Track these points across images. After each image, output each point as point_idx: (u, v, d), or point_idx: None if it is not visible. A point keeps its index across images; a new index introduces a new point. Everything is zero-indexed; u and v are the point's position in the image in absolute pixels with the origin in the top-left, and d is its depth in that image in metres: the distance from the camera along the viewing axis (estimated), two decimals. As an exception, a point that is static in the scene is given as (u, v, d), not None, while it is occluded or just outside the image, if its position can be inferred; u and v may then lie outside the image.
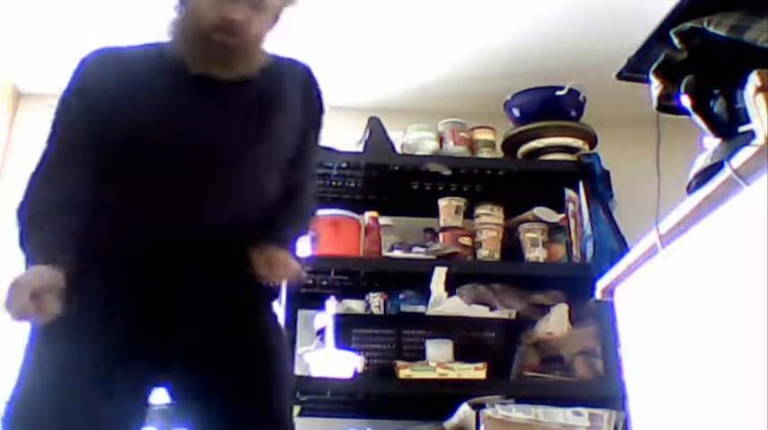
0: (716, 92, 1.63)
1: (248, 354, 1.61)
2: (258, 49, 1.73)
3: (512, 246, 2.99)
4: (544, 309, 2.85)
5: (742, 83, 1.47)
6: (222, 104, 1.70)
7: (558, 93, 3.11)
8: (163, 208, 1.62)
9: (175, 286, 1.59)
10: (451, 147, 3.11)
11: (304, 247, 1.81)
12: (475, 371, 2.65)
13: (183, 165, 1.64)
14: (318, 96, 1.86)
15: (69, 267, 1.51)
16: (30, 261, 1.55)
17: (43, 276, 1.48)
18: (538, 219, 2.99)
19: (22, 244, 1.59)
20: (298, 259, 1.73)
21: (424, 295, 2.83)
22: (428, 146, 3.09)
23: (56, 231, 1.56)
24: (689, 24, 1.63)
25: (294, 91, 1.80)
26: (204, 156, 1.65)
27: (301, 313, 2.80)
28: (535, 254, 2.94)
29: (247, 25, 1.65)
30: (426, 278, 2.80)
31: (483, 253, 2.96)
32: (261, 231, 1.68)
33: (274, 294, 1.75)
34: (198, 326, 1.59)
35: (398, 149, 3.09)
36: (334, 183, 3.09)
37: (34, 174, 1.67)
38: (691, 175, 1.67)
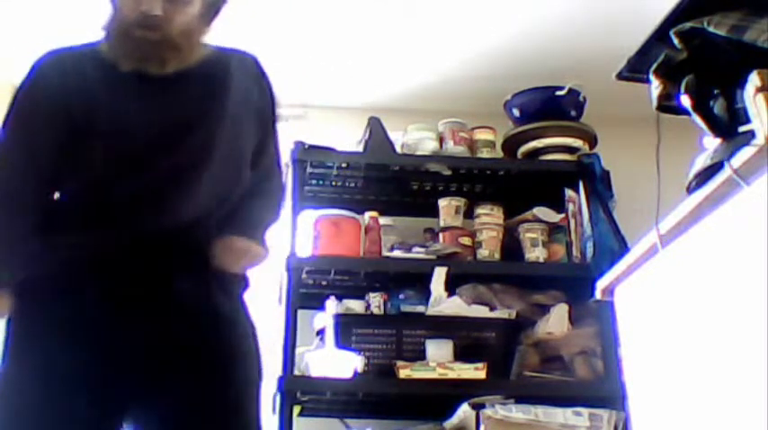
0: (716, 92, 1.63)
1: (214, 368, 1.59)
2: (190, 41, 1.70)
3: (512, 246, 2.99)
4: (544, 309, 2.85)
5: (742, 83, 1.47)
6: (160, 99, 1.67)
7: (558, 93, 3.11)
8: (118, 210, 1.61)
9: (142, 292, 1.58)
10: (451, 147, 3.11)
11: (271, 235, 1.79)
12: (475, 371, 2.65)
13: (128, 164, 1.63)
14: (269, 86, 1.83)
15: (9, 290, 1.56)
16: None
17: None
18: (538, 219, 2.99)
19: None
20: (264, 246, 1.72)
21: (424, 295, 2.82)
22: (428, 146, 3.09)
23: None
24: (689, 24, 1.63)
25: (245, 80, 1.78)
26: (147, 152, 1.64)
27: (301, 313, 2.80)
28: (535, 254, 2.94)
29: (168, 19, 1.64)
30: (426, 278, 2.80)
31: (483, 253, 2.96)
32: (226, 223, 1.68)
33: (244, 285, 1.73)
34: (162, 338, 1.57)
35: (398, 149, 3.09)
36: (334, 183, 3.09)
37: None
38: (691, 175, 1.67)
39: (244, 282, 1.73)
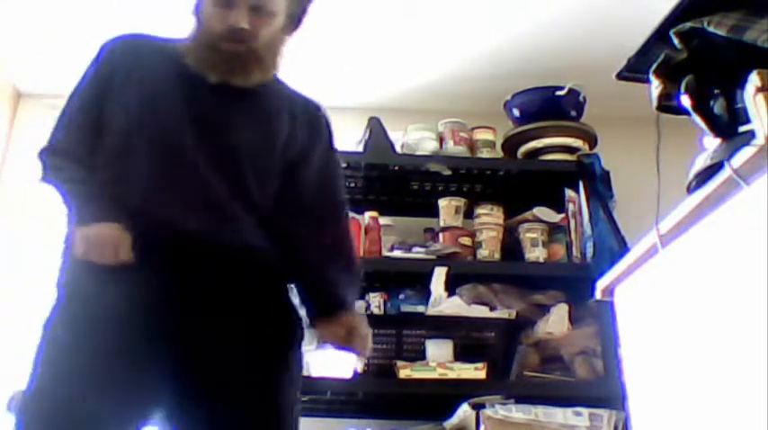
0: (716, 92, 1.63)
1: (254, 403, 1.60)
2: (273, 54, 1.75)
3: (512, 246, 2.99)
4: (544, 309, 2.85)
5: (742, 83, 1.47)
6: (243, 111, 1.72)
7: (558, 93, 3.11)
8: (175, 206, 1.62)
9: (201, 300, 1.58)
10: (451, 147, 3.11)
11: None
12: (475, 371, 2.66)
13: (194, 168, 1.64)
14: (331, 138, 1.88)
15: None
16: (92, 216, 1.57)
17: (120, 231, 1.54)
18: (538, 219, 2.99)
19: (67, 188, 1.63)
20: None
21: (424, 295, 2.83)
22: (428, 146, 3.09)
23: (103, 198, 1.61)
24: (689, 24, 1.62)
25: (305, 125, 1.81)
26: (221, 161, 1.66)
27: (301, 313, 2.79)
28: (535, 254, 2.94)
29: (254, 32, 1.68)
30: (426, 278, 2.80)
31: (483, 253, 2.96)
32: (323, 289, 1.75)
33: (302, 334, 1.75)
34: (213, 354, 1.58)
35: (398, 149, 3.09)
36: (334, 182, 3.08)
37: (61, 127, 1.70)
38: (691, 175, 1.67)
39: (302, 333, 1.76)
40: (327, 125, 1.87)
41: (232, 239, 1.64)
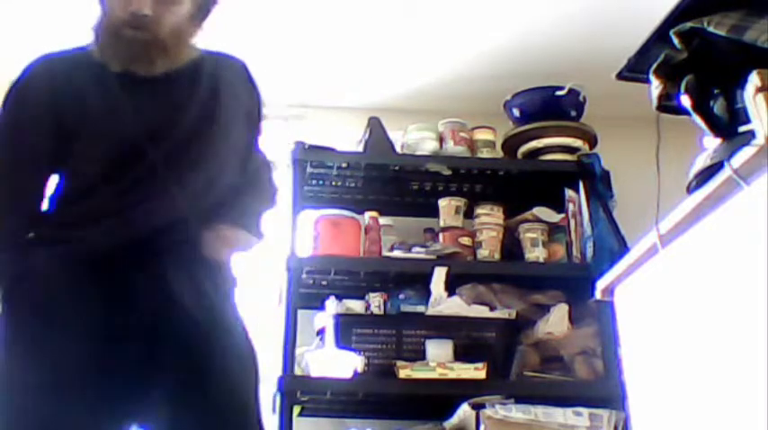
0: (716, 92, 1.63)
1: (219, 365, 1.59)
2: (180, 42, 1.71)
3: (512, 246, 2.99)
4: (544, 309, 2.85)
5: (742, 83, 1.47)
6: (148, 99, 1.68)
7: (558, 93, 3.11)
8: (115, 206, 1.61)
9: (142, 289, 1.58)
10: (451, 147, 3.10)
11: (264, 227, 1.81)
12: (475, 371, 2.65)
13: (118, 164, 1.63)
14: (257, 90, 1.84)
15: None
16: None
17: None
18: (538, 219, 2.99)
19: None
20: (257, 234, 1.74)
21: (424, 295, 2.82)
22: (428, 146, 3.09)
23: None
24: (689, 24, 1.63)
25: (234, 82, 1.79)
26: (134, 152, 1.63)
27: (301, 313, 2.80)
28: (535, 254, 2.94)
29: (157, 19, 1.65)
30: (426, 278, 2.80)
31: (483, 253, 2.96)
32: (215, 215, 1.69)
33: (233, 284, 1.74)
34: (165, 334, 1.57)
35: (398, 149, 3.09)
36: (334, 183, 3.09)
37: None
38: (691, 175, 1.67)
39: (233, 281, 1.74)
40: (252, 81, 1.83)
41: (177, 232, 1.63)
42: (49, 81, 1.69)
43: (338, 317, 2.74)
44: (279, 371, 2.59)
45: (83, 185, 1.65)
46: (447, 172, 3.02)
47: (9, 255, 1.61)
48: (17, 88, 1.72)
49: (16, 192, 1.67)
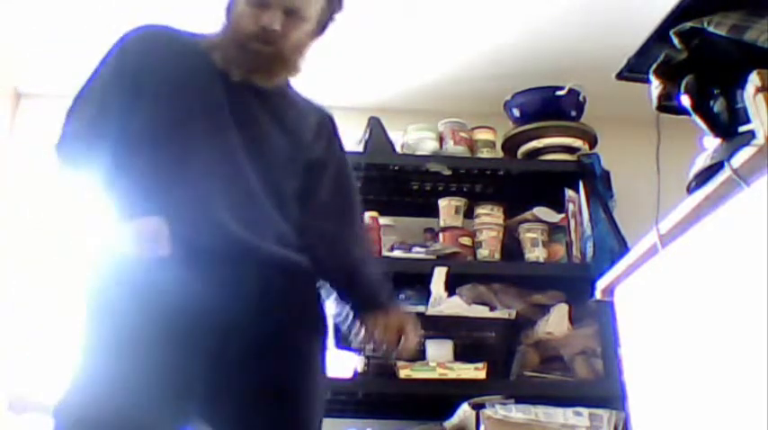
0: (716, 92, 1.63)
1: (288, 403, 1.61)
2: (299, 57, 1.76)
3: (512, 246, 2.99)
4: (544, 309, 2.85)
5: (742, 83, 1.47)
6: (262, 112, 1.72)
7: (558, 93, 3.11)
8: (226, 212, 1.60)
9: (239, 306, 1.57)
10: (451, 147, 3.11)
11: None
12: (475, 371, 2.66)
13: (243, 174, 1.64)
14: (341, 147, 1.89)
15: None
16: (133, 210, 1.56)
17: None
18: (538, 219, 2.99)
19: (96, 178, 1.60)
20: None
21: (424, 295, 2.82)
22: (428, 146, 3.09)
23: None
24: (689, 24, 1.62)
25: (316, 129, 1.82)
26: (236, 158, 1.65)
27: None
28: (535, 254, 2.94)
29: (284, 34, 1.68)
30: (426, 278, 2.80)
31: (483, 253, 2.96)
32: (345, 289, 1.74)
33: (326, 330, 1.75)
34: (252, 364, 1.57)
35: (398, 149, 3.09)
36: (334, 182, 3.08)
37: (75, 112, 1.68)
38: (691, 175, 1.67)
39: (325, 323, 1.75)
40: (337, 131, 1.90)
41: (277, 251, 1.64)
42: (161, 49, 1.71)
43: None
44: (279, 371, 2.59)
45: (168, 174, 1.62)
46: (447, 172, 3.02)
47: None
48: (120, 44, 1.73)
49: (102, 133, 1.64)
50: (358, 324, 1.74)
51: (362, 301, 1.75)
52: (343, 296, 1.76)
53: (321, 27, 1.80)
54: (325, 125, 1.86)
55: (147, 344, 1.49)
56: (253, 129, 1.70)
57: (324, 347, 1.71)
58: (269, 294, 1.59)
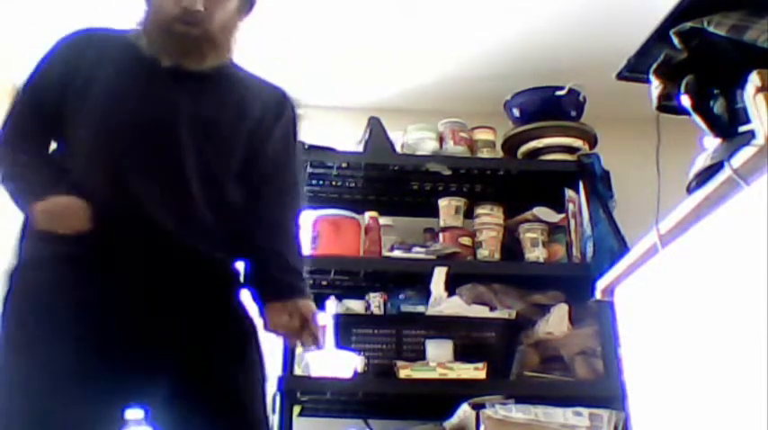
0: (716, 92, 1.63)
1: (230, 367, 1.61)
2: (228, 37, 1.73)
3: (512, 246, 2.99)
4: (544, 309, 2.85)
5: (742, 83, 1.47)
6: (197, 99, 1.69)
7: (558, 93, 3.12)
8: (129, 195, 1.59)
9: (148, 290, 1.57)
10: (451, 147, 3.11)
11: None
12: (475, 371, 2.65)
13: (149, 155, 1.62)
14: (295, 123, 1.86)
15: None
16: (45, 189, 1.57)
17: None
18: (538, 219, 2.99)
19: (14, 187, 1.62)
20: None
21: (424, 295, 2.83)
22: (428, 146, 3.09)
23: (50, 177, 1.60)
24: (689, 24, 1.62)
25: (268, 106, 1.79)
26: (172, 148, 1.63)
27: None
28: (535, 254, 2.94)
29: (209, 14, 1.65)
30: (426, 278, 2.80)
31: (483, 253, 2.96)
32: (262, 259, 1.71)
33: (239, 283, 1.73)
34: (178, 338, 1.57)
35: (398, 149, 3.09)
36: (334, 183, 3.09)
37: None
38: (691, 175, 1.67)
39: (239, 282, 1.74)
40: (293, 110, 1.85)
41: (200, 242, 1.62)
42: (91, 52, 1.70)
43: (338, 317, 2.74)
44: (279, 371, 2.59)
45: (106, 172, 1.62)
46: (447, 172, 3.02)
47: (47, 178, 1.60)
48: (51, 52, 1.73)
49: (26, 136, 1.68)
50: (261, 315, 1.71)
51: (268, 290, 1.72)
52: (255, 280, 1.73)
53: (248, 4, 1.76)
54: (277, 101, 1.82)
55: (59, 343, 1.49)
56: (188, 114, 1.67)
57: (253, 340, 1.69)
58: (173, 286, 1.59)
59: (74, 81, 1.66)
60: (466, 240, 2.98)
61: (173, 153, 1.63)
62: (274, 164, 1.79)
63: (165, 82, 1.67)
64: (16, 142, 1.68)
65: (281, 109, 1.82)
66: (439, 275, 2.79)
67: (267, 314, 1.70)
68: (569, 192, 2.98)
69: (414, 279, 2.86)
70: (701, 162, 1.64)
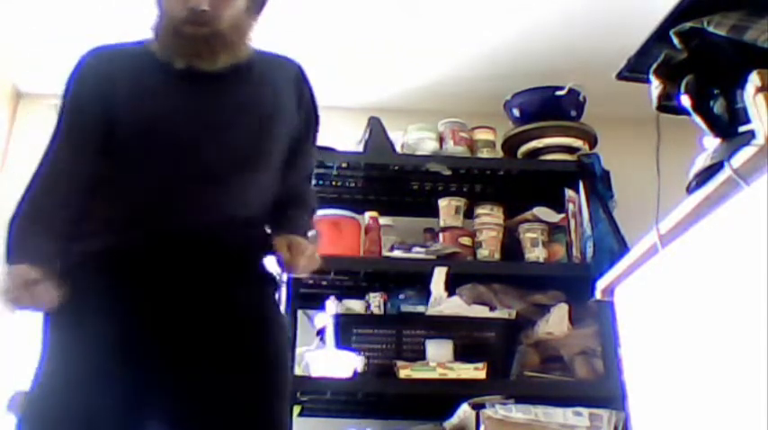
0: (716, 92, 1.63)
1: (252, 366, 1.61)
2: (239, 36, 1.73)
3: (512, 246, 2.99)
4: (544, 309, 2.85)
5: (742, 83, 1.47)
6: (213, 100, 1.70)
7: (558, 93, 3.12)
8: (161, 206, 1.62)
9: (179, 291, 1.59)
10: (451, 148, 3.11)
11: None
12: (475, 371, 2.65)
13: (176, 164, 1.64)
14: (312, 96, 1.86)
15: (51, 266, 1.55)
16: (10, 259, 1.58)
17: (29, 271, 1.52)
18: (538, 219, 2.99)
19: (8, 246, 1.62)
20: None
21: (424, 295, 2.82)
22: (428, 146, 3.09)
23: (41, 232, 1.61)
24: (689, 24, 1.62)
25: (287, 89, 1.80)
26: (197, 153, 1.65)
27: (301, 313, 2.79)
28: (535, 254, 2.94)
29: (217, 14, 1.66)
30: (426, 278, 2.80)
31: (483, 253, 2.96)
32: (277, 227, 1.73)
33: (276, 288, 1.76)
34: (201, 335, 1.59)
35: (398, 149, 3.09)
36: (334, 183, 3.09)
37: (35, 176, 1.70)
38: (691, 175, 1.67)
39: (276, 286, 1.76)
40: (306, 81, 1.86)
41: (233, 241, 1.65)
42: (105, 74, 1.69)
43: (338, 317, 2.74)
44: (279, 371, 2.59)
45: (127, 181, 1.64)
46: (447, 172, 3.02)
47: (56, 244, 1.61)
48: (72, 82, 1.73)
49: (69, 190, 1.67)
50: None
51: (279, 228, 1.76)
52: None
53: (257, 1, 1.77)
54: (295, 79, 1.83)
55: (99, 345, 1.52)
56: (210, 114, 1.68)
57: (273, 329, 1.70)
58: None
59: (108, 93, 1.67)
60: (466, 240, 2.98)
61: (200, 154, 1.65)
62: (296, 151, 1.81)
63: (177, 83, 1.68)
64: (59, 175, 1.67)
65: (300, 91, 1.83)
66: (439, 275, 2.79)
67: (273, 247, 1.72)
68: (569, 192, 2.98)
69: (414, 279, 2.86)
70: (701, 162, 1.64)
